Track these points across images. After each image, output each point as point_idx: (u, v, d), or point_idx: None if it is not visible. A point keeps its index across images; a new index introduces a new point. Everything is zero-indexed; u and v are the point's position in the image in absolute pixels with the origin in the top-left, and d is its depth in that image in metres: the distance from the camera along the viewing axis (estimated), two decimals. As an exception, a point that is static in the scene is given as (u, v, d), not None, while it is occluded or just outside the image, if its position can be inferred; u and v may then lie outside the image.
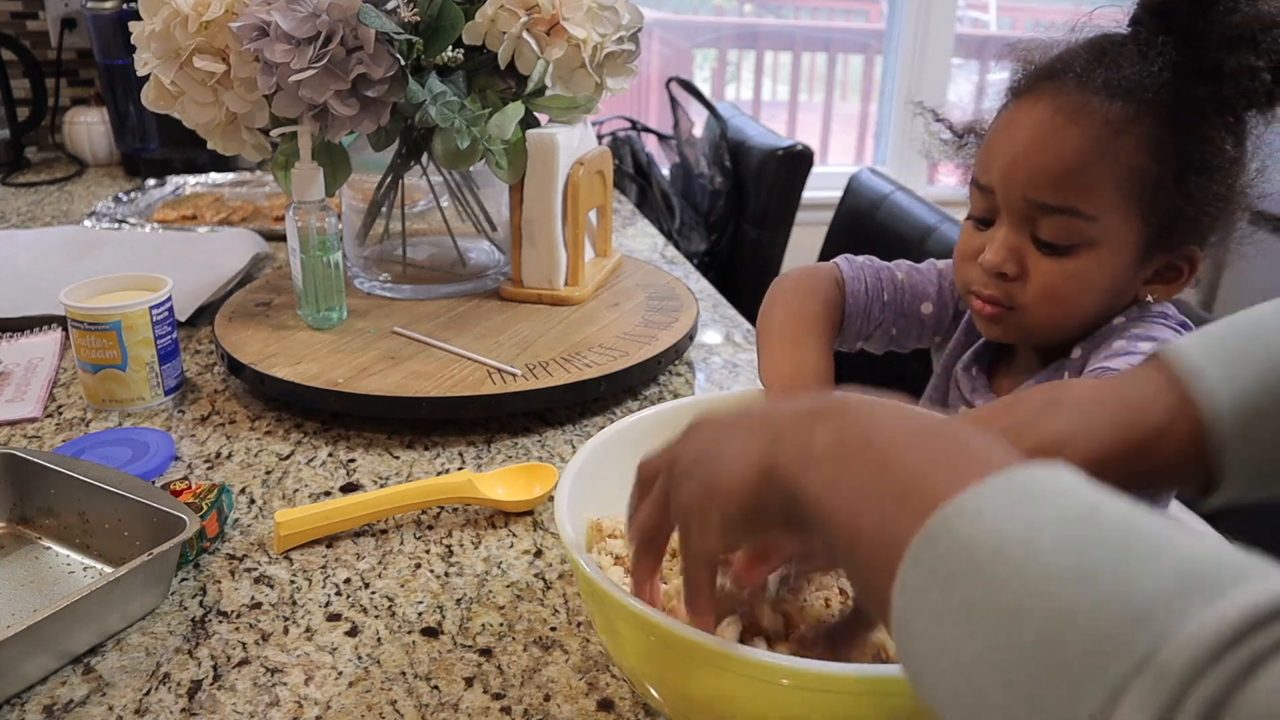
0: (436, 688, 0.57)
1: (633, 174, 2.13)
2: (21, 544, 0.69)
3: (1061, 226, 0.64)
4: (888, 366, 0.98)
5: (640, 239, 1.50)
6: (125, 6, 1.69)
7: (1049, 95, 0.64)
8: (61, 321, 1.05)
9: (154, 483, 0.70)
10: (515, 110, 0.96)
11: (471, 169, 1.05)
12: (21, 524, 0.71)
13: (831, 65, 2.94)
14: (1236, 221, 0.66)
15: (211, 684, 0.56)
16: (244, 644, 0.60)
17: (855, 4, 2.99)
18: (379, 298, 1.08)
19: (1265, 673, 0.23)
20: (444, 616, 0.63)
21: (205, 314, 1.09)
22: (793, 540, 0.44)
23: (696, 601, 0.44)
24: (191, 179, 1.70)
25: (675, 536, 0.45)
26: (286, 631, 0.61)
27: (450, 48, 0.94)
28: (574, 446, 0.84)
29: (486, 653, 0.59)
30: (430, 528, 0.73)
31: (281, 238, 1.32)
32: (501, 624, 0.62)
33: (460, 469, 0.80)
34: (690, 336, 1.01)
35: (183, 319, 1.04)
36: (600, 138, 2.13)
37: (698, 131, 2.24)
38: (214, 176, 1.72)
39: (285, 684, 0.57)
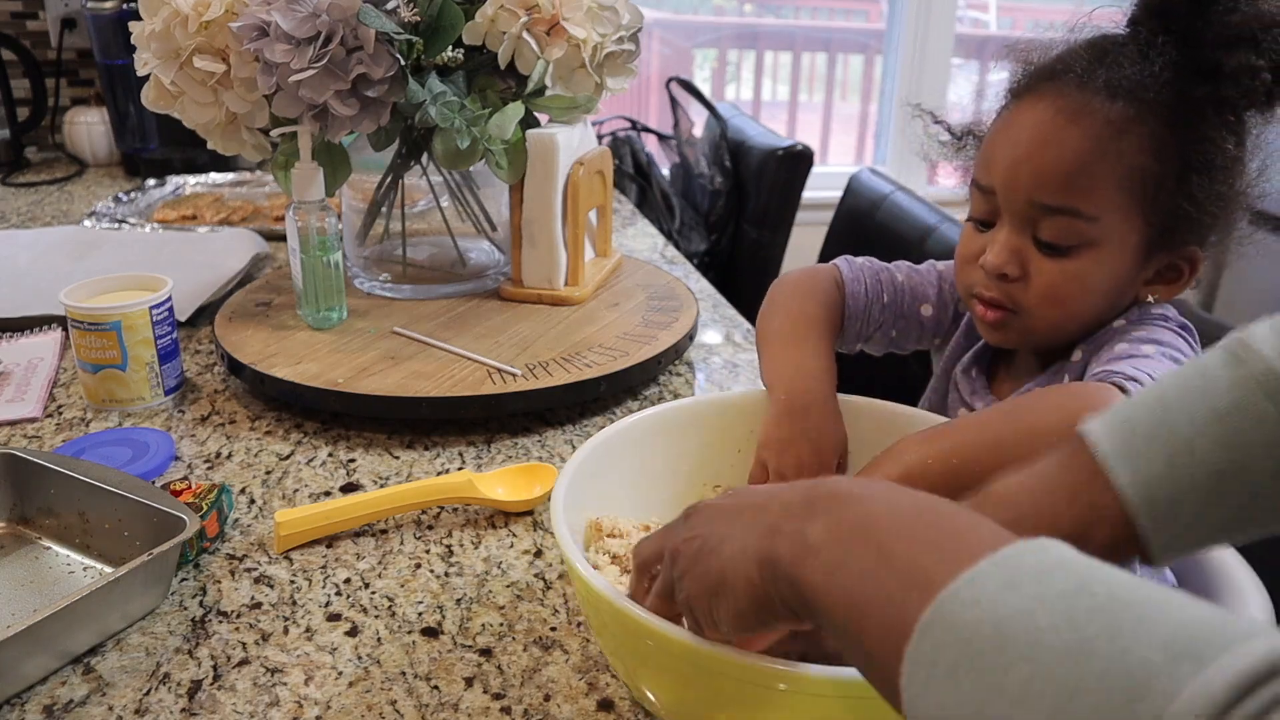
0: (436, 688, 0.57)
1: (633, 174, 2.13)
2: (21, 544, 0.69)
3: (1063, 227, 0.64)
4: (887, 368, 0.98)
5: (640, 239, 1.50)
6: (125, 6, 1.69)
7: (1050, 96, 0.64)
8: (61, 321, 1.05)
9: (154, 483, 0.70)
10: (515, 110, 0.96)
11: (471, 169, 1.05)
12: (21, 524, 0.71)
13: (831, 65, 2.94)
14: (1237, 221, 0.66)
15: (211, 684, 0.56)
16: (244, 644, 0.60)
17: (855, 4, 2.99)
18: (379, 298, 1.08)
19: None
20: (444, 616, 0.63)
21: (205, 314, 1.09)
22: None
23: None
24: (191, 179, 1.70)
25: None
26: (286, 631, 0.61)
27: (450, 48, 0.95)
28: (574, 446, 0.84)
29: (486, 653, 0.59)
30: (430, 528, 0.73)
31: (281, 238, 1.32)
32: (501, 624, 0.62)
33: (460, 469, 0.80)
34: (690, 336, 1.01)
35: (183, 319, 1.04)
36: (600, 138, 2.13)
37: (698, 131, 2.24)
38: (214, 176, 1.72)
39: (285, 684, 0.57)
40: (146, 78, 0.94)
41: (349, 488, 0.77)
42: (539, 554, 0.70)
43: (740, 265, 2.10)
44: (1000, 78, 0.70)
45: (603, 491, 0.63)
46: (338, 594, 0.65)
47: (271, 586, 0.65)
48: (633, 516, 0.64)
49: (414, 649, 0.60)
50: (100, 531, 0.67)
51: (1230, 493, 0.42)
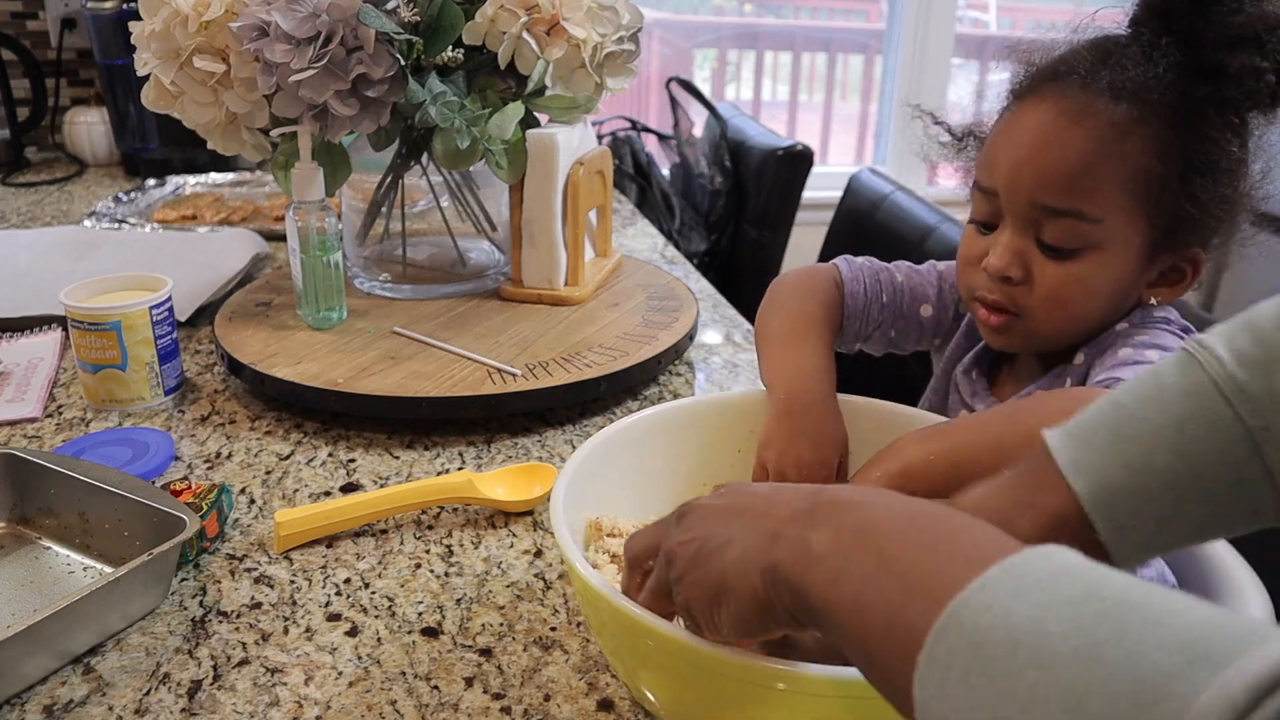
0: (436, 688, 0.57)
1: (633, 174, 2.13)
2: (21, 544, 0.69)
3: (1066, 229, 0.64)
4: (887, 368, 0.98)
5: (640, 239, 1.50)
6: (125, 6, 1.69)
7: (1053, 97, 0.64)
8: (61, 321, 1.05)
9: (154, 483, 0.70)
10: (515, 110, 0.96)
11: (471, 169, 1.05)
12: (21, 524, 0.71)
13: (831, 65, 2.94)
14: (1240, 223, 0.66)
15: (211, 684, 0.56)
16: (244, 644, 0.60)
17: (855, 4, 2.99)
18: (379, 298, 1.08)
19: None
20: (444, 616, 0.63)
21: (205, 314, 1.09)
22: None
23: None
24: (191, 179, 1.70)
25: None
26: (286, 631, 0.61)
27: (450, 48, 0.95)
28: (574, 446, 0.84)
29: (486, 653, 0.59)
30: (430, 528, 0.73)
31: (281, 238, 1.32)
32: (501, 624, 0.62)
33: (460, 469, 0.80)
34: (690, 336, 1.01)
35: (183, 319, 1.04)
36: (600, 138, 2.13)
37: (698, 131, 2.24)
38: (214, 176, 1.72)
39: (285, 684, 0.57)
40: (146, 78, 0.94)
41: (349, 488, 0.77)
42: (539, 554, 0.70)
43: (740, 265, 2.10)
44: (1001, 78, 0.70)
45: (603, 491, 0.63)
46: (338, 594, 0.65)
47: (271, 586, 0.65)
48: (633, 516, 0.64)
49: (414, 649, 0.60)
50: (100, 531, 0.67)
51: (1189, 501, 0.43)
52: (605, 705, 0.55)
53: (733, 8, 2.91)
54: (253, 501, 0.75)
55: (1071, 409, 0.50)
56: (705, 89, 2.39)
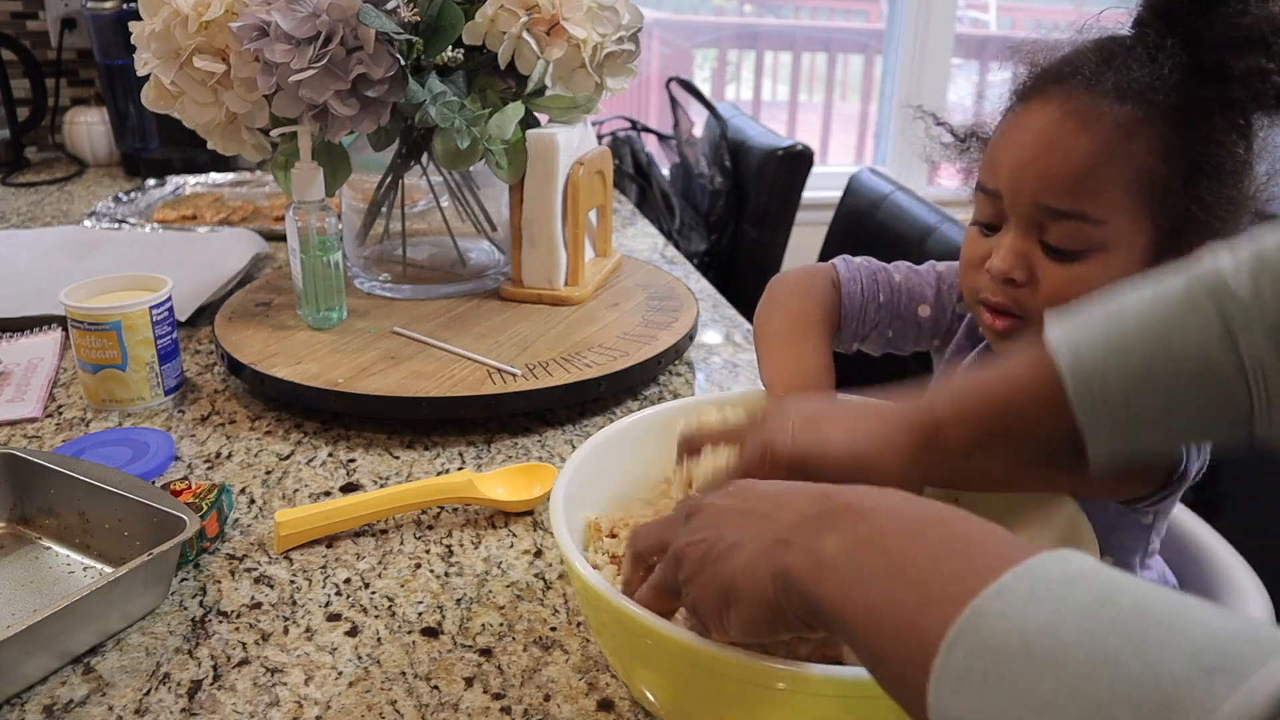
0: (436, 688, 0.57)
1: (633, 174, 2.13)
2: (21, 544, 0.69)
3: (1071, 231, 0.63)
4: (887, 368, 0.98)
5: (640, 239, 1.50)
6: (125, 6, 1.69)
7: (1058, 98, 0.64)
8: (61, 321, 1.05)
9: (154, 483, 0.70)
10: (515, 110, 0.96)
11: (471, 169, 1.05)
12: (21, 524, 0.71)
13: (831, 65, 2.94)
14: (1245, 225, 0.66)
15: (211, 684, 0.56)
16: (244, 644, 0.60)
17: (855, 4, 2.99)
18: (379, 298, 1.08)
19: None
20: (444, 616, 0.63)
21: (205, 314, 1.09)
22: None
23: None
24: (191, 179, 1.70)
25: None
26: (286, 631, 0.61)
27: (450, 48, 0.95)
28: (574, 446, 0.84)
29: (486, 653, 0.59)
30: (430, 528, 0.73)
31: (281, 238, 1.32)
32: (501, 624, 0.62)
33: (460, 469, 0.80)
34: (690, 336, 1.01)
35: (183, 319, 1.04)
36: (600, 138, 2.13)
37: (698, 131, 2.24)
38: (214, 176, 1.72)
39: (285, 684, 0.57)
40: (146, 78, 0.94)
41: (349, 488, 0.77)
42: (539, 554, 0.70)
43: (740, 265, 2.10)
44: (1002, 78, 0.69)
45: (603, 491, 0.63)
46: (338, 594, 0.65)
47: (271, 586, 0.65)
48: (632, 516, 0.64)
49: (414, 649, 0.60)
50: (100, 531, 0.67)
51: (1157, 381, 0.46)
52: (605, 705, 0.55)
53: (733, 8, 2.91)
54: (253, 501, 0.75)
55: None
56: (705, 89, 2.39)
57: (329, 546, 0.70)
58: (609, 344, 0.96)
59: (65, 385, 0.94)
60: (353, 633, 0.61)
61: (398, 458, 0.82)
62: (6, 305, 1.09)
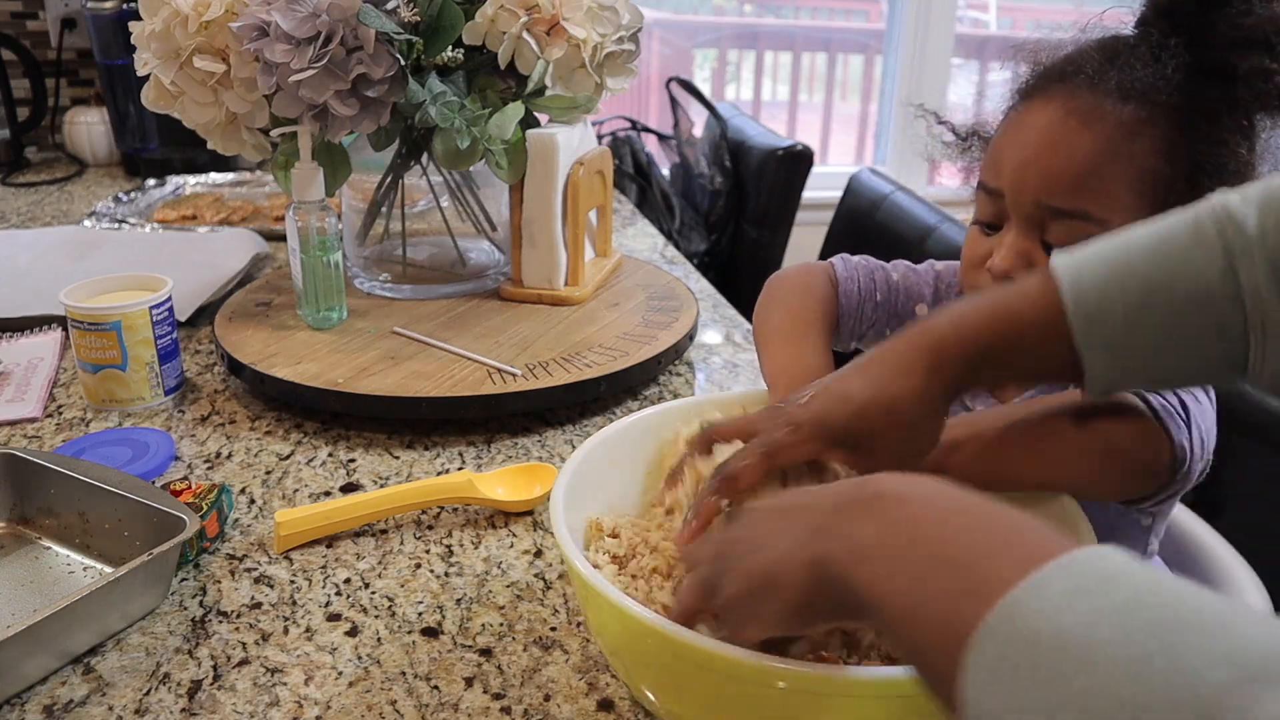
0: (436, 688, 0.57)
1: (633, 174, 2.13)
2: (21, 544, 0.69)
3: (1072, 230, 0.63)
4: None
5: (640, 239, 1.50)
6: (125, 6, 1.69)
7: (1060, 97, 0.63)
8: (61, 321, 1.05)
9: (154, 483, 0.70)
10: (515, 110, 0.96)
11: (471, 169, 1.05)
12: (21, 524, 0.71)
13: (831, 65, 2.94)
14: None
15: (211, 684, 0.56)
16: (244, 644, 0.60)
17: (855, 4, 2.99)
18: (379, 298, 1.08)
19: None
20: (444, 616, 0.63)
21: (205, 314, 1.09)
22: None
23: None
24: (191, 179, 1.70)
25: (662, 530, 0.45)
26: (286, 631, 0.61)
27: (450, 48, 0.95)
28: (574, 446, 0.84)
29: (486, 653, 0.59)
30: (430, 528, 0.73)
31: (281, 238, 1.32)
32: (501, 624, 0.62)
33: (460, 469, 0.80)
34: (690, 336, 1.01)
35: (183, 319, 1.04)
36: (600, 138, 2.13)
37: (698, 131, 2.24)
38: (214, 176, 1.72)
39: (285, 684, 0.57)
40: (146, 78, 0.94)
41: (349, 488, 0.77)
42: (539, 554, 0.70)
43: (740, 265, 2.10)
44: (1002, 78, 0.69)
45: (603, 491, 0.63)
46: (338, 594, 0.65)
47: (271, 586, 0.65)
48: (632, 516, 0.64)
49: (414, 649, 0.60)
50: (100, 531, 0.67)
51: (1154, 307, 0.46)
52: (605, 705, 0.55)
53: (733, 8, 2.91)
54: (253, 501, 0.75)
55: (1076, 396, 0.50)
56: (705, 89, 2.39)
57: (329, 546, 0.70)
58: (609, 344, 0.96)
59: (65, 385, 0.94)
60: (353, 633, 0.61)
61: (398, 458, 0.82)
62: (6, 305, 1.09)
